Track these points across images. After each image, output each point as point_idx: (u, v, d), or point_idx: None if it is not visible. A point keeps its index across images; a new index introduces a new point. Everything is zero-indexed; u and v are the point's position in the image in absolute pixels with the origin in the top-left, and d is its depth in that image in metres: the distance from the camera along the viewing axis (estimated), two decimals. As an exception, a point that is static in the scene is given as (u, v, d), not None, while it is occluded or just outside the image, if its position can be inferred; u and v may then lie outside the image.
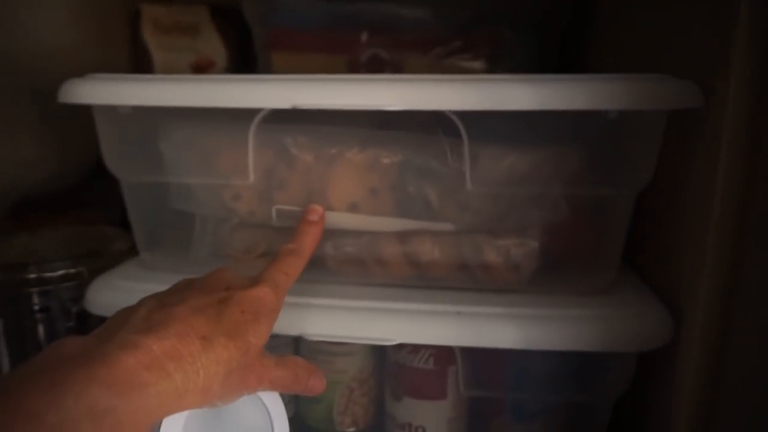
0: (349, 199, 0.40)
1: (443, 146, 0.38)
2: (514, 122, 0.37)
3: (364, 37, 0.66)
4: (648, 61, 0.45)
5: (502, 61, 0.64)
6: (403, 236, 0.42)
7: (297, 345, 0.48)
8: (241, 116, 0.39)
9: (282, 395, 0.33)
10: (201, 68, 0.82)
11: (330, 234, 0.42)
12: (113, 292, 0.43)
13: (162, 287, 0.43)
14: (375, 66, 0.65)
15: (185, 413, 0.27)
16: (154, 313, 0.28)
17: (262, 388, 0.30)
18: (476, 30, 0.65)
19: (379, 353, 0.47)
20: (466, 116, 0.36)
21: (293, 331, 0.39)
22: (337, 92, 0.36)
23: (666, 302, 0.39)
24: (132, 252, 0.52)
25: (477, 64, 0.65)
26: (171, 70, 0.81)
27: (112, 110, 0.39)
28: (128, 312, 0.29)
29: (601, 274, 0.41)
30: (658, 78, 0.35)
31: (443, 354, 0.43)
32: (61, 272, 0.47)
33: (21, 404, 0.21)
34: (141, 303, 0.30)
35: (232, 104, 0.37)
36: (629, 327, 0.38)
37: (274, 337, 0.45)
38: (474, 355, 0.41)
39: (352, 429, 0.48)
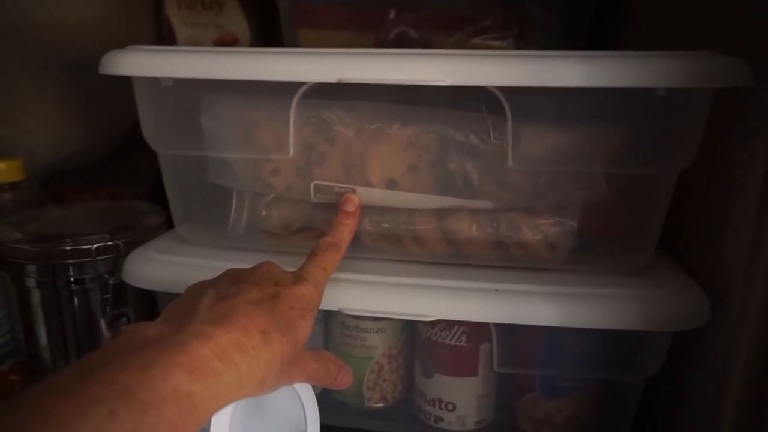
0: (388, 176, 0.40)
1: (485, 123, 0.38)
2: (558, 99, 0.37)
3: (391, 14, 0.65)
4: (688, 38, 0.45)
5: (530, 39, 0.64)
6: (440, 213, 0.42)
7: (327, 321, 0.48)
8: (282, 90, 0.39)
9: None
10: (224, 44, 0.82)
11: (367, 210, 0.42)
12: (151, 265, 0.44)
13: (198, 261, 0.43)
14: (402, 44, 0.64)
15: (234, 403, 0.28)
16: (216, 305, 0.28)
17: (300, 381, 0.32)
18: (505, 8, 0.64)
19: (410, 330, 0.47)
20: (511, 93, 0.36)
21: (332, 306, 0.39)
22: (383, 67, 0.35)
23: (706, 283, 0.39)
24: (164, 227, 0.53)
25: (505, 43, 0.64)
26: (194, 45, 0.81)
27: (153, 82, 0.39)
28: (190, 302, 0.30)
29: (637, 255, 0.41)
30: (707, 55, 0.35)
31: (476, 331, 0.43)
32: (97, 245, 0.47)
33: (117, 379, 0.22)
34: (199, 292, 0.30)
35: (276, 77, 0.37)
36: (666, 306, 0.38)
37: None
38: (509, 333, 0.41)
39: (380, 404, 0.49)
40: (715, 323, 0.38)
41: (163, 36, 0.81)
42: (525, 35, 0.63)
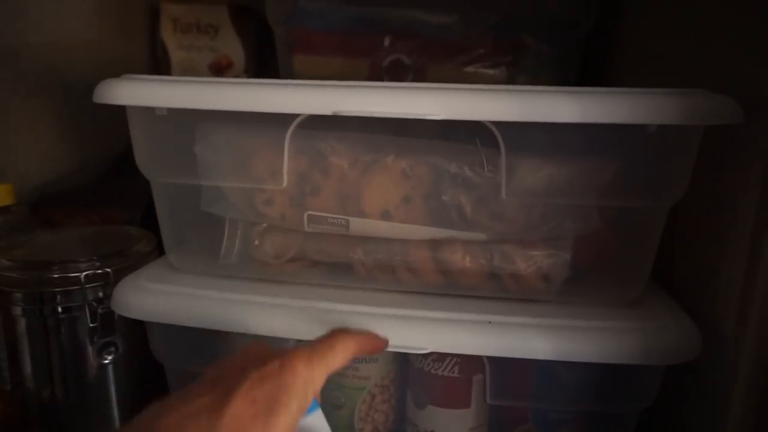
0: (382, 207, 0.40)
1: (479, 156, 0.39)
2: (552, 134, 0.37)
3: (386, 41, 0.66)
4: (676, 72, 0.46)
5: (523, 68, 0.65)
6: (434, 244, 0.42)
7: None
8: (277, 121, 0.39)
9: None
10: (219, 68, 0.82)
11: (360, 240, 0.42)
12: (140, 294, 0.43)
13: (189, 290, 0.43)
14: (396, 71, 0.65)
15: None
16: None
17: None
18: (498, 37, 0.65)
19: (403, 360, 0.47)
20: (505, 126, 0.36)
21: (324, 337, 0.39)
22: (379, 100, 0.36)
23: (698, 317, 0.39)
24: (155, 253, 0.52)
25: (498, 71, 0.65)
26: (189, 69, 0.82)
27: (147, 111, 0.39)
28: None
29: (630, 287, 0.41)
30: (697, 93, 0.35)
31: (469, 363, 0.43)
32: (87, 272, 0.47)
33: None
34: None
35: (271, 109, 0.37)
36: (657, 339, 0.38)
37: (300, 342, 0.46)
38: (501, 364, 0.41)
39: (372, 435, 0.48)
40: (707, 356, 0.38)
41: (157, 59, 0.82)
42: (518, 63, 0.64)
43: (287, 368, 0.27)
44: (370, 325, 0.39)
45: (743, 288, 0.35)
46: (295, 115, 0.38)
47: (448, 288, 0.42)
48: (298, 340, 0.45)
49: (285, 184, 0.40)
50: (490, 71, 0.64)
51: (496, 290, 0.42)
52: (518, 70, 0.64)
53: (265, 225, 0.43)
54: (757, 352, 0.35)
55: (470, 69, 0.64)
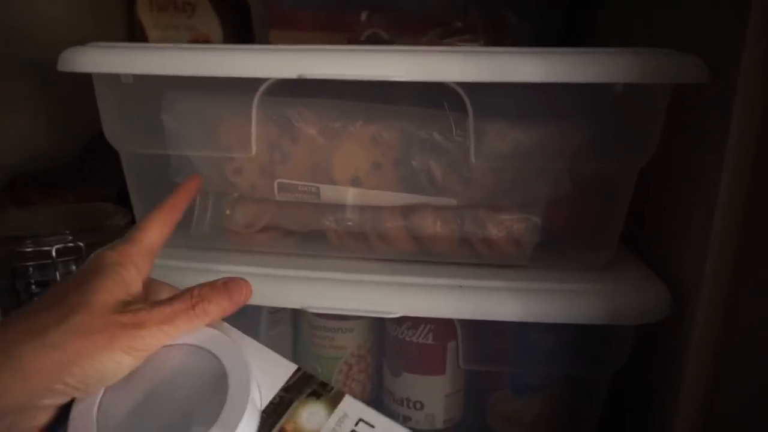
0: (352, 174, 0.40)
1: (448, 120, 0.38)
2: (520, 96, 0.37)
3: (363, 16, 0.65)
4: (654, 41, 0.46)
5: (502, 43, 0.64)
6: (405, 211, 0.42)
7: (296, 320, 0.48)
8: (244, 87, 0.38)
9: None
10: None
11: (332, 208, 0.42)
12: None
13: (161, 262, 0.42)
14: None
15: (99, 394, 0.26)
16: None
17: (141, 346, 0.26)
18: (476, 12, 0.64)
19: (378, 329, 0.47)
20: (472, 89, 0.36)
21: (295, 304, 0.39)
22: (343, 62, 0.35)
23: (667, 278, 0.39)
24: (129, 228, 0.52)
25: (476, 47, 0.64)
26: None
27: (113, 79, 0.39)
28: None
29: (601, 250, 0.41)
30: (663, 52, 0.35)
31: (443, 329, 0.43)
32: (58, 246, 0.46)
33: None
34: None
35: (236, 74, 0.37)
36: (628, 300, 0.38)
37: (274, 312, 0.46)
38: (474, 329, 0.41)
39: (350, 405, 0.48)
40: (675, 317, 0.38)
41: (135, 38, 0.81)
42: (496, 39, 0.64)
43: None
44: (341, 291, 0.39)
45: (700, 250, 0.36)
46: (262, 81, 0.38)
47: (421, 255, 0.42)
48: (271, 310, 0.45)
49: (254, 152, 0.40)
50: (468, 47, 0.64)
51: (469, 256, 0.42)
52: (496, 46, 0.64)
53: (235, 195, 0.43)
54: (707, 313, 0.36)
55: (447, 44, 0.64)
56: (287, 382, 0.28)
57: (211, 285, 0.29)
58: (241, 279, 0.30)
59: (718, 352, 0.37)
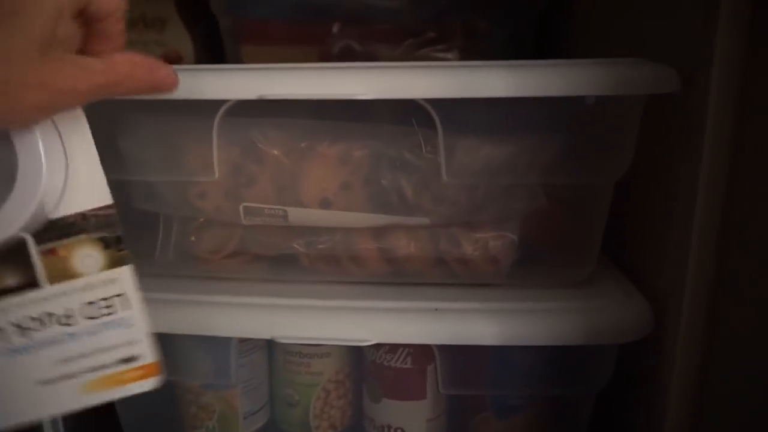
0: (321, 195, 0.39)
1: (417, 137, 0.37)
2: (490, 111, 0.36)
3: (335, 28, 0.64)
4: (629, 48, 0.45)
5: (475, 51, 0.63)
6: (377, 232, 0.40)
7: (271, 346, 0.46)
8: (205, 109, 0.37)
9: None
10: (168, 62, 0.80)
11: (302, 231, 0.41)
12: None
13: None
14: (347, 58, 0.63)
15: None
16: None
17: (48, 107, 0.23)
18: (449, 20, 0.63)
19: (356, 353, 0.45)
20: (440, 105, 0.35)
21: (263, 334, 0.37)
22: (305, 81, 0.34)
23: (647, 294, 0.38)
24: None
25: (450, 55, 0.63)
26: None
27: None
28: None
29: (580, 266, 0.40)
30: (634, 62, 0.34)
31: (421, 353, 0.41)
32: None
33: None
34: None
35: (195, 96, 0.35)
36: (609, 319, 0.37)
37: (246, 341, 0.44)
38: (452, 353, 0.40)
39: (329, 433, 0.47)
40: (657, 331, 0.37)
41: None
42: (470, 47, 0.63)
43: None
44: (312, 319, 0.37)
45: (680, 262, 0.34)
46: (222, 102, 0.36)
47: (395, 276, 0.41)
48: (240, 340, 0.43)
49: (216, 175, 0.38)
50: (442, 56, 0.63)
51: (444, 276, 0.40)
52: (470, 54, 0.63)
53: (201, 220, 0.41)
54: (689, 327, 0.35)
55: (422, 54, 0.63)
56: (92, 211, 0.27)
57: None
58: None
59: (702, 366, 0.36)
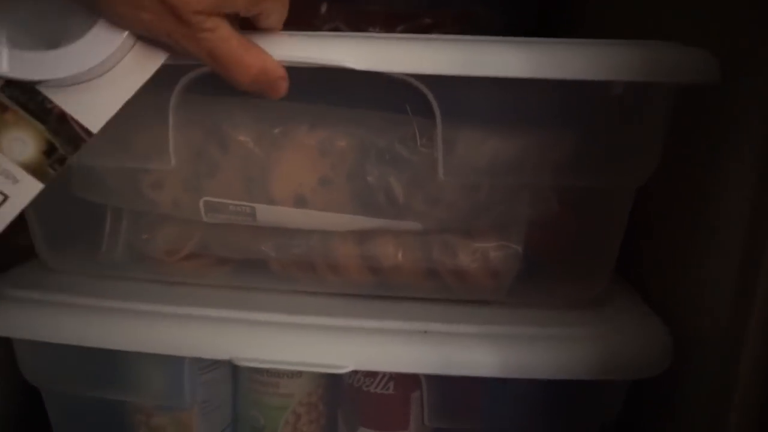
0: (295, 191, 0.33)
1: (411, 127, 0.32)
2: (498, 98, 0.30)
3: (323, 8, 0.59)
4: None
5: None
6: (361, 236, 0.34)
7: (234, 367, 0.40)
8: (160, 81, 0.31)
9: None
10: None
11: (272, 232, 0.35)
12: (3, 304, 0.34)
13: (63, 298, 0.35)
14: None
15: None
16: None
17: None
18: (445, 6, 0.59)
19: (331, 375, 0.39)
20: (440, 88, 0.29)
21: (221, 354, 0.31)
22: (277, 43, 0.28)
23: (671, 318, 0.33)
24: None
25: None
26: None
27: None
28: None
29: (592, 283, 0.35)
30: (668, 45, 0.29)
31: (405, 378, 0.36)
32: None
33: None
34: None
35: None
36: (624, 350, 0.32)
37: (203, 360, 0.38)
38: (441, 380, 0.34)
39: (298, 462, 0.41)
40: (682, 365, 0.32)
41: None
42: (467, 33, 0.58)
43: None
44: (277, 339, 0.32)
45: (736, 292, 0.29)
46: (181, 73, 0.30)
47: (380, 288, 0.35)
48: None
49: (173, 162, 0.32)
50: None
51: (436, 290, 0.35)
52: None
53: (155, 214, 0.35)
54: (716, 362, 0.29)
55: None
56: (73, 118, 0.25)
57: None
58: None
59: (726, 407, 0.30)
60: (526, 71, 0.27)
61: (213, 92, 0.32)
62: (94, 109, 0.26)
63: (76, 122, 0.25)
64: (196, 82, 0.31)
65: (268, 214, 0.33)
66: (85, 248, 0.37)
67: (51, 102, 0.25)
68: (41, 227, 0.36)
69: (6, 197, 0.25)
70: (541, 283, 0.35)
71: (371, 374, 0.36)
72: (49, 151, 0.25)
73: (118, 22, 0.25)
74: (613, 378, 0.32)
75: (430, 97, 0.30)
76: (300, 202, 0.33)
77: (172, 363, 0.36)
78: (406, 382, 0.36)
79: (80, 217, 0.36)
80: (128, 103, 0.32)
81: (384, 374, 0.36)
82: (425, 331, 0.31)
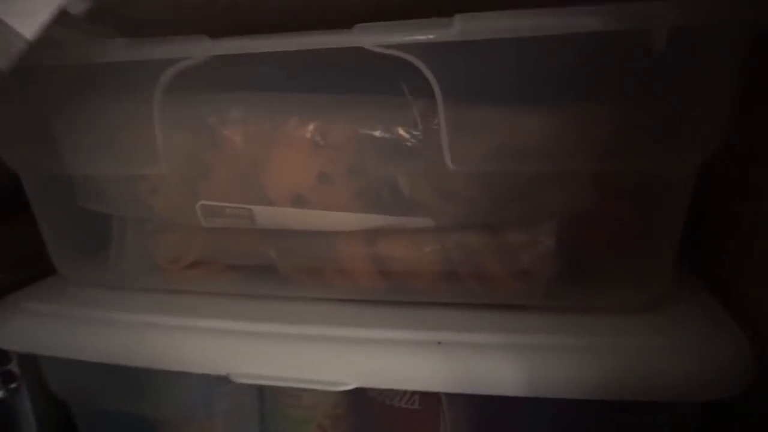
0: (292, 190, 0.30)
1: (411, 109, 0.27)
2: (512, 65, 0.25)
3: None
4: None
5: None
6: (369, 236, 0.31)
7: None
8: (143, 79, 0.29)
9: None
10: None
11: (276, 235, 0.32)
12: (20, 318, 0.34)
13: (80, 312, 0.34)
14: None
15: None
16: None
17: None
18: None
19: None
20: (438, 60, 0.25)
21: (218, 369, 0.29)
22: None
23: (751, 329, 0.26)
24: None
25: None
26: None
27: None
28: None
29: (647, 284, 0.29)
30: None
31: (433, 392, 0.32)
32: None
33: None
34: None
35: (124, 57, 0.28)
36: (690, 365, 0.26)
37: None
38: (466, 396, 0.30)
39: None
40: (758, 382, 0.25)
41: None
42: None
43: None
44: (278, 352, 0.29)
45: None
46: (162, 68, 0.28)
47: (394, 293, 0.31)
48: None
49: (164, 167, 0.30)
50: None
51: (457, 294, 0.30)
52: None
53: (156, 221, 0.34)
54: None
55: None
56: None
57: None
58: None
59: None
60: (539, 27, 0.22)
61: (199, 88, 0.30)
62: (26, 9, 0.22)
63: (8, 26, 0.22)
64: (179, 78, 0.29)
65: (266, 216, 0.31)
66: (96, 260, 0.36)
67: None
68: (55, 241, 0.36)
69: None
70: (582, 285, 0.29)
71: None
72: None
73: None
74: (675, 399, 0.26)
75: (427, 72, 0.25)
76: (298, 201, 0.30)
77: (186, 374, 0.34)
78: (433, 396, 0.32)
79: (89, 229, 0.36)
80: (112, 107, 0.30)
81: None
82: (439, 342, 0.27)
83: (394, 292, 0.31)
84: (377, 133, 0.28)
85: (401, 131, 0.28)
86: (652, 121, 0.25)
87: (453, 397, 0.29)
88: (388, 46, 0.25)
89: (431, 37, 0.23)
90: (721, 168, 0.27)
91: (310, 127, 0.29)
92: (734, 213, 0.31)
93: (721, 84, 0.24)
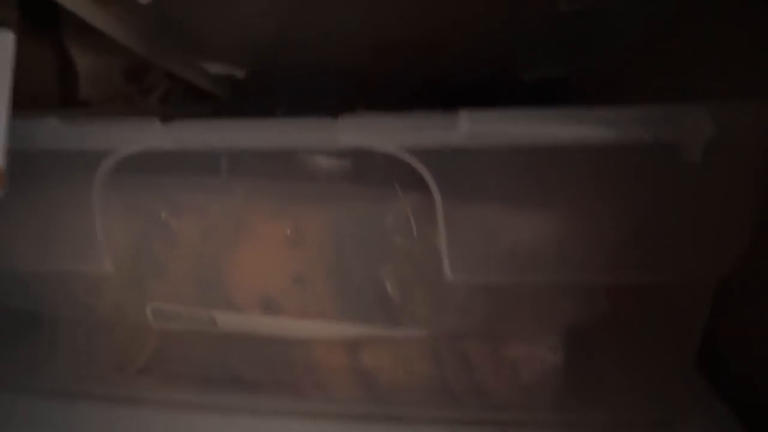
0: (262, 293, 0.26)
1: (403, 208, 0.24)
2: (521, 170, 0.22)
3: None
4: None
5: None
6: (351, 345, 0.27)
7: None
8: (82, 168, 0.24)
9: None
10: (134, 74, 0.68)
11: (242, 341, 0.28)
12: None
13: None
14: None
15: None
16: None
17: None
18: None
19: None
20: (438, 158, 0.21)
21: None
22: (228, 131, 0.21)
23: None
24: None
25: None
26: (99, 77, 0.67)
27: None
28: None
29: (660, 401, 0.26)
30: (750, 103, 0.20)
31: None
32: None
33: None
34: None
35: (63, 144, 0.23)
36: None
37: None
38: None
39: None
40: None
41: (61, 66, 0.67)
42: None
43: None
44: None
45: None
46: (106, 154, 0.24)
47: (378, 407, 0.27)
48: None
49: (109, 265, 0.25)
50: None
51: (450, 410, 0.27)
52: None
53: (95, 320, 0.29)
54: None
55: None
56: None
57: None
58: None
59: None
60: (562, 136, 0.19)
61: (149, 169, 0.25)
62: None
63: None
64: (125, 162, 0.24)
65: (231, 322, 0.26)
66: (26, 360, 0.30)
67: None
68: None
69: None
70: (590, 401, 0.26)
71: None
72: None
73: None
74: None
75: (425, 172, 0.22)
76: (268, 306, 0.26)
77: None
78: None
79: (12, 325, 0.30)
80: (45, 196, 0.25)
81: None
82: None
83: (379, 406, 0.27)
84: (362, 232, 0.24)
85: (391, 229, 0.24)
86: (674, 232, 0.22)
87: None
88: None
89: (432, 141, 0.20)
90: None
91: (286, 219, 0.25)
92: (741, 311, 0.29)
93: (749, 197, 0.22)
